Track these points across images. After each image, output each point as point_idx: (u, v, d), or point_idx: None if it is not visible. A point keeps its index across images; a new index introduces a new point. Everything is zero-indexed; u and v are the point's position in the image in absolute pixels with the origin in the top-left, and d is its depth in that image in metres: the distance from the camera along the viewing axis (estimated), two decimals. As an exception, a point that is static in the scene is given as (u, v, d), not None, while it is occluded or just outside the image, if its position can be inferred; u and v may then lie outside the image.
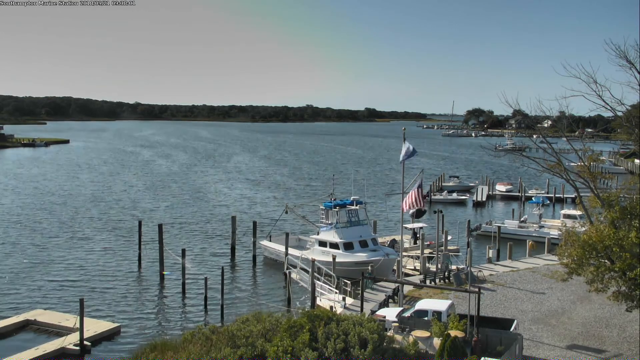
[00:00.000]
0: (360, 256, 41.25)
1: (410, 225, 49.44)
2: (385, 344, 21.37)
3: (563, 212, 59.97)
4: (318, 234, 45.11)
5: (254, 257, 47.65)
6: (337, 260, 39.87)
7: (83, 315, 28.77)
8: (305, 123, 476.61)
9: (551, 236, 47.72)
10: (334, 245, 42.64)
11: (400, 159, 36.65)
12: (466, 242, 48.35)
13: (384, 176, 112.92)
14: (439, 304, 27.07)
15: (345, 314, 25.73)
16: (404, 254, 41.15)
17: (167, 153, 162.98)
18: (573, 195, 70.86)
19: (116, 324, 31.93)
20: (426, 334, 23.50)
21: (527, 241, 47.38)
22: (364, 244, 42.91)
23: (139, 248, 47.15)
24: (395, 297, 32.96)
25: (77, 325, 28.79)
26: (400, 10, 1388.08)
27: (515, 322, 26.34)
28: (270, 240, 48.96)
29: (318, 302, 34.28)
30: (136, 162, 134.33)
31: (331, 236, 43.32)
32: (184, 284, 39.35)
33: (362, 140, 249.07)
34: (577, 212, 52.85)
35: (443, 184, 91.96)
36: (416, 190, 36.36)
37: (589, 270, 24.01)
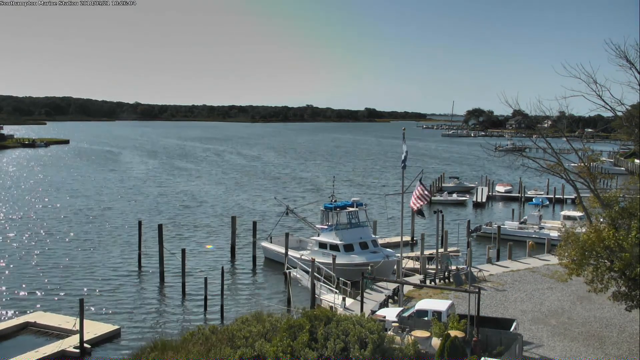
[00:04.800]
0: (360, 258, 41.20)
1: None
2: (385, 344, 21.35)
3: (563, 213, 59.84)
4: (318, 236, 45.08)
5: (254, 257, 47.60)
6: (337, 262, 39.82)
7: (83, 317, 28.67)
8: (305, 123, 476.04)
9: (551, 237, 47.63)
10: (334, 247, 42.56)
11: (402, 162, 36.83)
12: (466, 242, 48.33)
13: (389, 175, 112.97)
14: (439, 304, 27.04)
15: (345, 314, 25.71)
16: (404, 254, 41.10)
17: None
18: (573, 196, 70.80)
19: (116, 326, 31.76)
20: (426, 334, 23.49)
21: (527, 241, 47.30)
22: (364, 246, 42.84)
23: (139, 248, 47.12)
24: (395, 297, 32.97)
25: (77, 327, 28.72)
26: (400, 10, 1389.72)
27: (515, 322, 26.34)
28: (270, 242, 48.91)
29: (318, 302, 34.27)
30: (136, 163, 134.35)
31: (331, 238, 43.24)
32: (184, 284, 39.34)
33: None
34: (577, 214, 52.76)
35: (443, 185, 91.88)
36: (420, 186, 36.45)
37: (588, 270, 24.02)
